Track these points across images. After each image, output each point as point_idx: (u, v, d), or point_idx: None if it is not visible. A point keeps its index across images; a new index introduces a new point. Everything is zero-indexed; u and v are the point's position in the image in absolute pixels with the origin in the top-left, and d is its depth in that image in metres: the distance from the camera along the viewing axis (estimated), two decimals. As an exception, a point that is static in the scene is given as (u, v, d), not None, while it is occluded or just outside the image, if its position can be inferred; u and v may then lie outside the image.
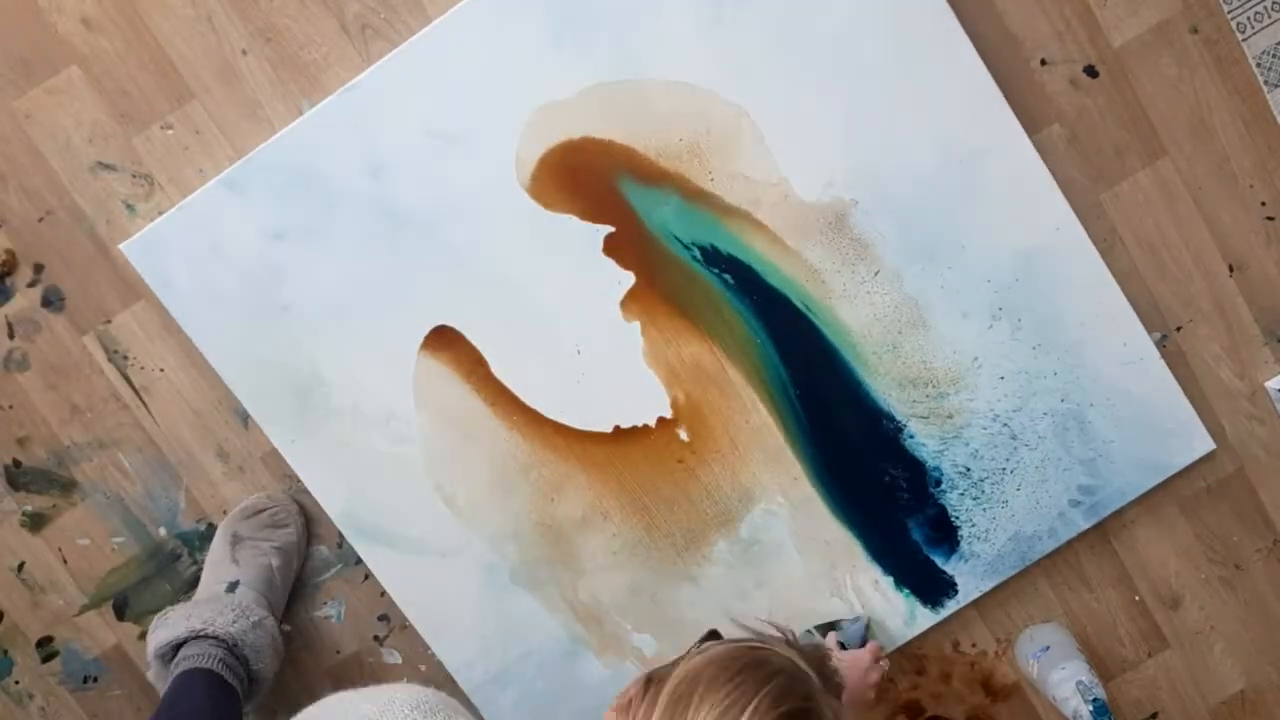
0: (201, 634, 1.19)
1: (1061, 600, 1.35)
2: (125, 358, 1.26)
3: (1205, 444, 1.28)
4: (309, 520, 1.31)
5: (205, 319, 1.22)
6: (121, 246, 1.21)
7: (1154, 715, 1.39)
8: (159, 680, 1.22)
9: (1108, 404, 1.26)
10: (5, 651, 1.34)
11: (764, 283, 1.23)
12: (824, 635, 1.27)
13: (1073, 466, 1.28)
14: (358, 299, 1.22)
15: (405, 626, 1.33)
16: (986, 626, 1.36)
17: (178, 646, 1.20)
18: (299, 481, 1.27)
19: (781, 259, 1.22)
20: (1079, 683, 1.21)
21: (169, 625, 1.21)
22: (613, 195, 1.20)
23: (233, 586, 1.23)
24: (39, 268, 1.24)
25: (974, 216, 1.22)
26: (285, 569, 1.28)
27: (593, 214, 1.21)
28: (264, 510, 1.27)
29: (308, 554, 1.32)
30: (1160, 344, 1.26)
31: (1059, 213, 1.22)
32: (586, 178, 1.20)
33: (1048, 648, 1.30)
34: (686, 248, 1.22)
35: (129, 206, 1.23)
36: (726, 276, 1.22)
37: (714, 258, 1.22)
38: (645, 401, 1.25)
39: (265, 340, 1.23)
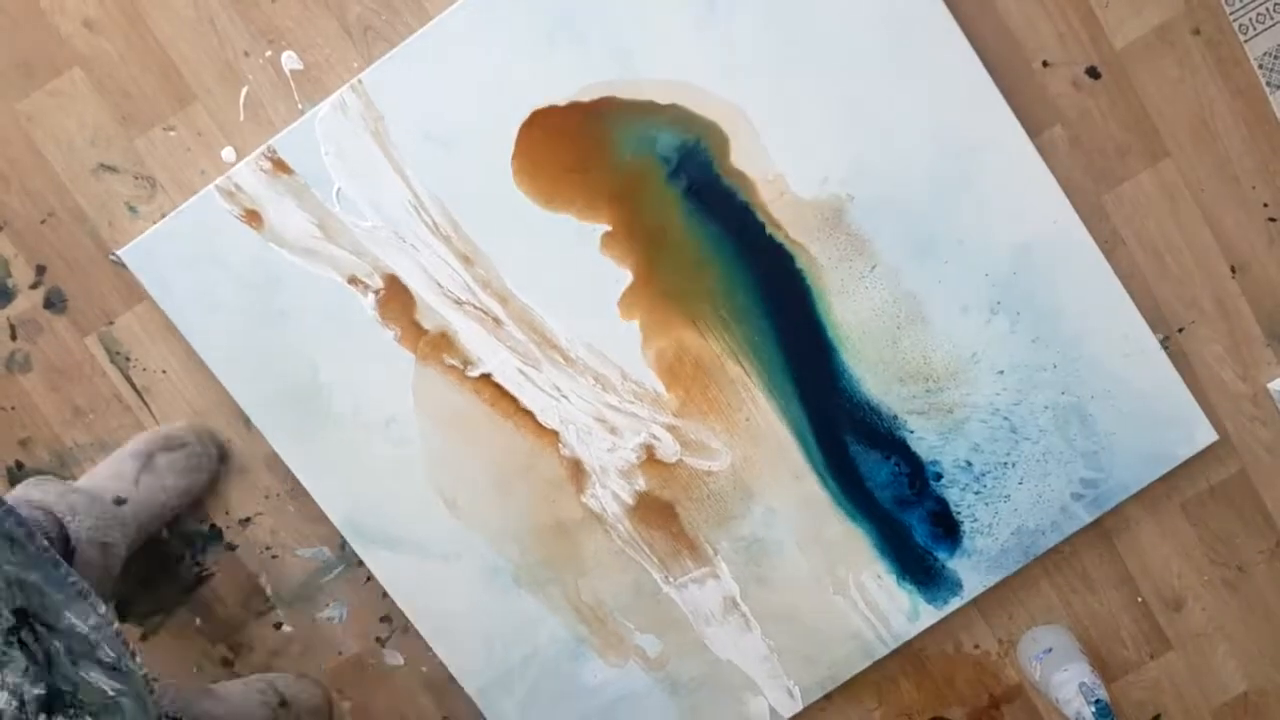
0: (59, 518, 1.12)
1: (1064, 602, 1.35)
2: (127, 359, 1.27)
3: (1208, 435, 1.28)
4: (224, 463, 1.30)
5: (205, 324, 1.23)
6: (119, 252, 1.20)
7: (1157, 717, 1.38)
8: None
9: (1108, 396, 1.26)
10: (7, 654, 1.33)
11: (769, 240, 1.22)
12: None
13: (1074, 459, 1.28)
14: (356, 303, 1.22)
15: (407, 628, 1.33)
16: (989, 628, 1.36)
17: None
18: (299, 483, 1.27)
19: (785, 240, 1.22)
20: (1082, 684, 1.21)
21: (41, 489, 1.15)
22: (599, 140, 1.20)
23: (120, 502, 1.20)
24: (41, 269, 1.24)
25: (971, 211, 1.22)
26: (171, 509, 1.25)
27: (588, 209, 1.21)
28: (186, 447, 1.25)
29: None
30: (1162, 345, 1.26)
31: (1056, 206, 1.22)
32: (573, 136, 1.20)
33: (1050, 649, 1.30)
34: (680, 179, 1.21)
35: (131, 208, 1.23)
36: (726, 231, 1.22)
37: (714, 196, 1.22)
38: (645, 400, 1.25)
39: (264, 345, 1.23)
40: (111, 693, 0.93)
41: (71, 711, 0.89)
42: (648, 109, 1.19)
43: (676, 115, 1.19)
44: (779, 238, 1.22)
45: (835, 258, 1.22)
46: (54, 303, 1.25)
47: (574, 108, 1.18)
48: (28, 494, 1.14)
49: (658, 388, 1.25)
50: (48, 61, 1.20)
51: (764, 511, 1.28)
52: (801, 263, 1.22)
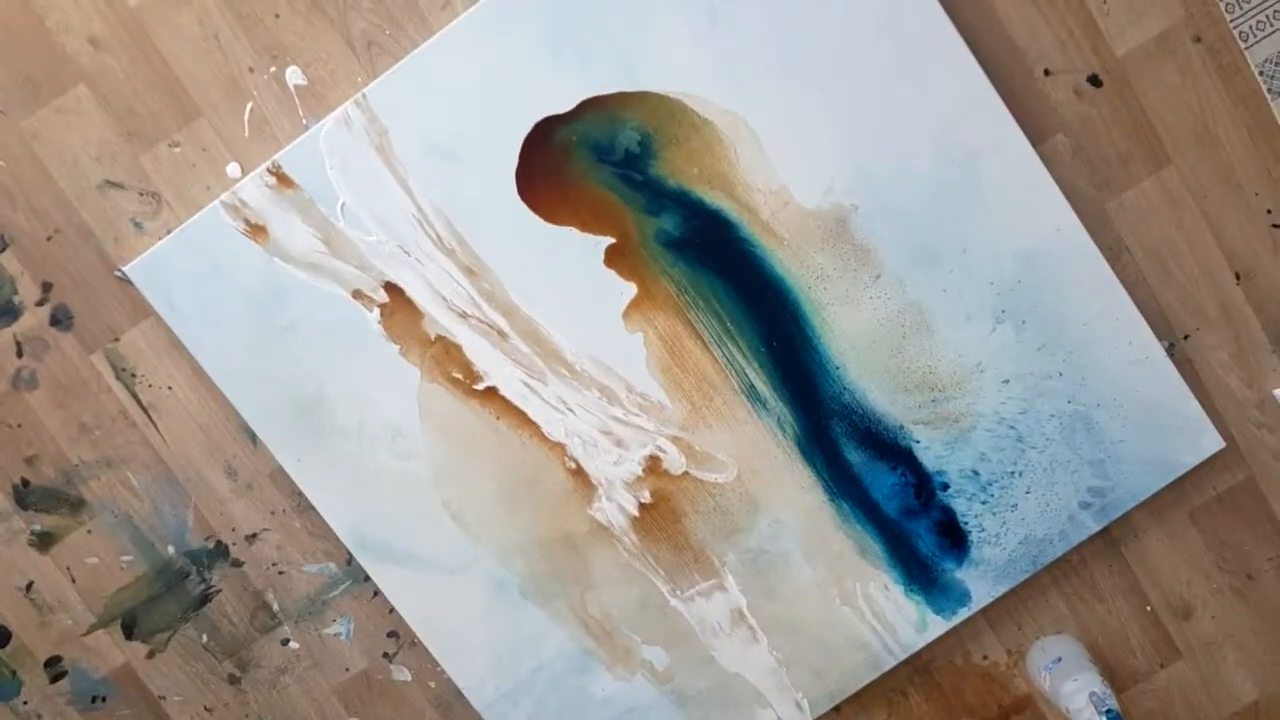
0: None
1: (1073, 611, 1.34)
2: (133, 376, 1.27)
3: (1214, 442, 1.28)
4: None
5: (209, 339, 1.23)
6: (125, 268, 1.21)
7: (1168, 727, 1.38)
8: None
9: (1115, 404, 1.26)
10: (14, 672, 1.33)
11: (761, 271, 1.22)
12: None
13: (1081, 468, 1.27)
14: (361, 317, 1.22)
15: (415, 643, 1.33)
16: (997, 638, 1.35)
17: None
18: (305, 498, 1.27)
19: (779, 248, 1.22)
20: (1092, 694, 1.21)
21: None
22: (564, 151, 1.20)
23: None
24: (47, 286, 1.25)
25: (974, 219, 1.22)
26: None
27: (592, 223, 1.21)
28: None
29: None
30: (1168, 352, 1.26)
31: (1059, 214, 1.22)
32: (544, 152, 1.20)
33: (1059, 659, 1.29)
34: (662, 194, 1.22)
35: (136, 224, 1.23)
36: (706, 252, 1.23)
37: (698, 218, 1.22)
38: (650, 412, 1.25)
39: (269, 360, 1.23)
40: None
41: None
42: (622, 101, 1.19)
43: (644, 108, 1.19)
44: (780, 249, 1.22)
45: (840, 267, 1.22)
46: (60, 320, 1.25)
47: (576, 115, 1.19)
48: None
49: (663, 400, 1.25)
50: (53, 79, 1.21)
51: (770, 523, 1.28)
52: (805, 272, 1.23)
